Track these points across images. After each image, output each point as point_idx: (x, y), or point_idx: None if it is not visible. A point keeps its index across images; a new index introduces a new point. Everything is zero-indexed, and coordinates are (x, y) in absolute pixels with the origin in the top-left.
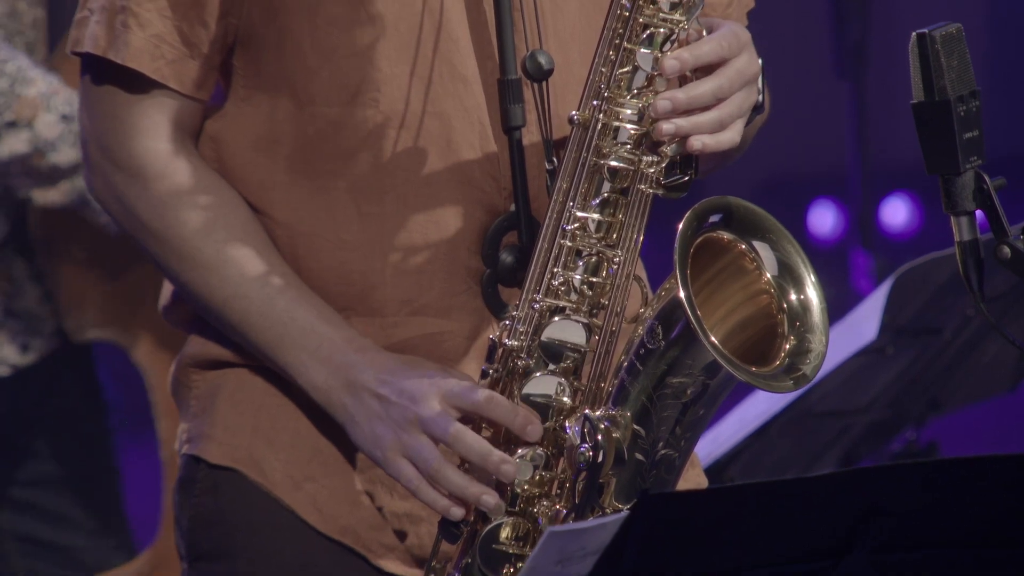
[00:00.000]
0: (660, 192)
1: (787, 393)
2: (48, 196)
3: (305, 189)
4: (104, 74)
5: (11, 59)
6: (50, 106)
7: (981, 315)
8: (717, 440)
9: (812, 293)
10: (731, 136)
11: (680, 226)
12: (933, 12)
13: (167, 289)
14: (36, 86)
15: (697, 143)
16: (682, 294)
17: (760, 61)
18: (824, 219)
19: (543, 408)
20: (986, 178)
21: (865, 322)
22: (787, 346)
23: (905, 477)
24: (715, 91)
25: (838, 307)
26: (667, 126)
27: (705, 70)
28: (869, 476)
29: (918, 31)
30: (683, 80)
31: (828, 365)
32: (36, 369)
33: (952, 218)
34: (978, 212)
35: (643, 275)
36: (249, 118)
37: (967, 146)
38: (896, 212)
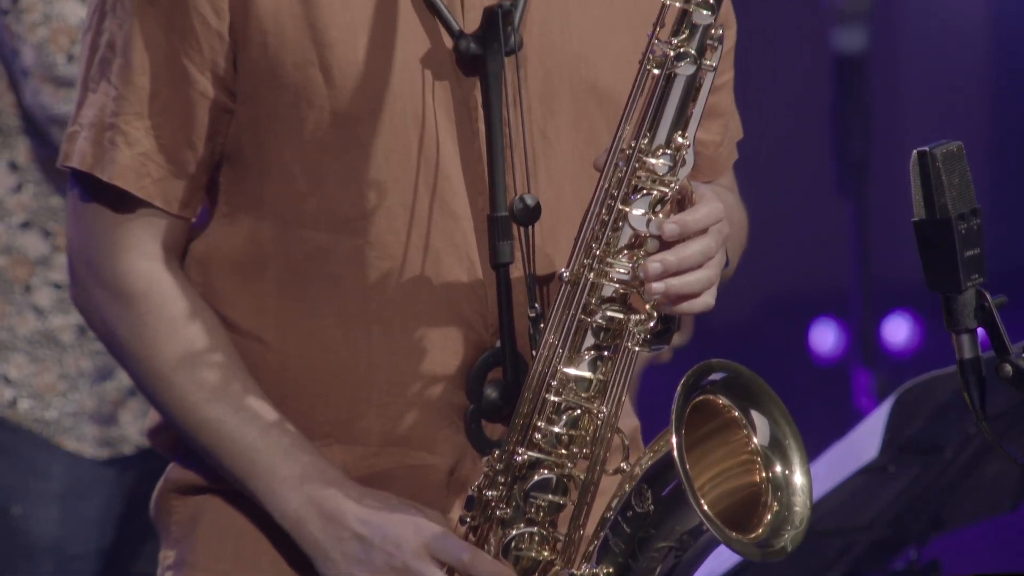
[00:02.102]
0: (646, 349)
1: None
2: None
3: (294, 313)
4: (91, 191)
5: None
6: None
7: (983, 433)
8: (719, 558)
9: (798, 465)
10: (707, 300)
11: (678, 387)
12: (934, 130)
13: (153, 416)
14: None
15: (674, 308)
16: (676, 457)
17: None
18: (825, 337)
19: (521, 560)
20: (987, 296)
21: (867, 440)
22: (768, 516)
23: None
24: (704, 252)
25: (839, 425)
26: (657, 285)
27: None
28: None
29: (919, 149)
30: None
31: (830, 483)
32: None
33: (954, 336)
34: (980, 330)
35: (635, 420)
36: (232, 238)
37: (968, 264)
38: (897, 330)
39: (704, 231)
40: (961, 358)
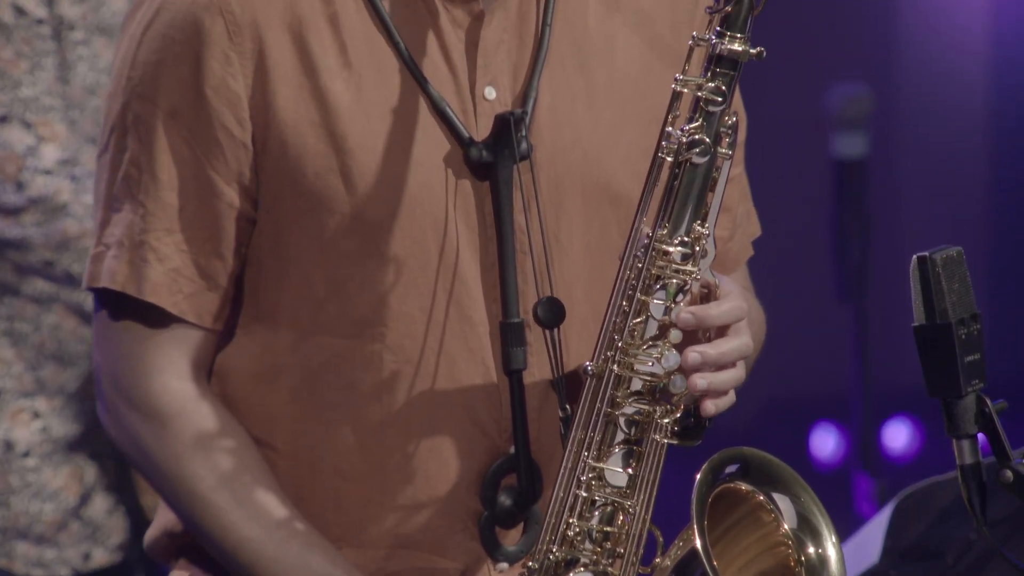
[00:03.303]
0: (675, 441)
1: None
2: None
3: (308, 419)
4: (121, 310)
5: None
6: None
7: (984, 539)
8: None
9: (831, 547)
10: (732, 398)
11: (697, 477)
12: (934, 235)
13: (159, 523)
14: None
15: (711, 406)
16: (699, 546)
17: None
18: (825, 442)
19: None
20: (988, 401)
21: (867, 546)
22: None
23: None
24: (741, 350)
25: (840, 531)
26: (701, 381)
27: (717, 329)
28: None
29: (919, 254)
30: (689, 333)
31: None
32: None
33: (954, 441)
34: (980, 435)
35: None
36: (247, 348)
37: (968, 369)
38: (898, 435)
39: (726, 327)
40: (962, 464)
